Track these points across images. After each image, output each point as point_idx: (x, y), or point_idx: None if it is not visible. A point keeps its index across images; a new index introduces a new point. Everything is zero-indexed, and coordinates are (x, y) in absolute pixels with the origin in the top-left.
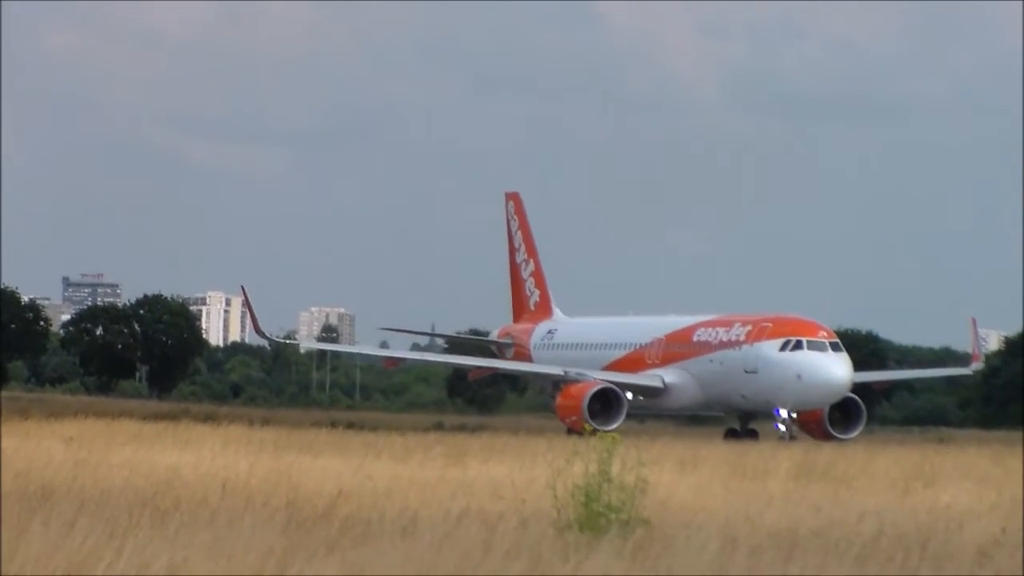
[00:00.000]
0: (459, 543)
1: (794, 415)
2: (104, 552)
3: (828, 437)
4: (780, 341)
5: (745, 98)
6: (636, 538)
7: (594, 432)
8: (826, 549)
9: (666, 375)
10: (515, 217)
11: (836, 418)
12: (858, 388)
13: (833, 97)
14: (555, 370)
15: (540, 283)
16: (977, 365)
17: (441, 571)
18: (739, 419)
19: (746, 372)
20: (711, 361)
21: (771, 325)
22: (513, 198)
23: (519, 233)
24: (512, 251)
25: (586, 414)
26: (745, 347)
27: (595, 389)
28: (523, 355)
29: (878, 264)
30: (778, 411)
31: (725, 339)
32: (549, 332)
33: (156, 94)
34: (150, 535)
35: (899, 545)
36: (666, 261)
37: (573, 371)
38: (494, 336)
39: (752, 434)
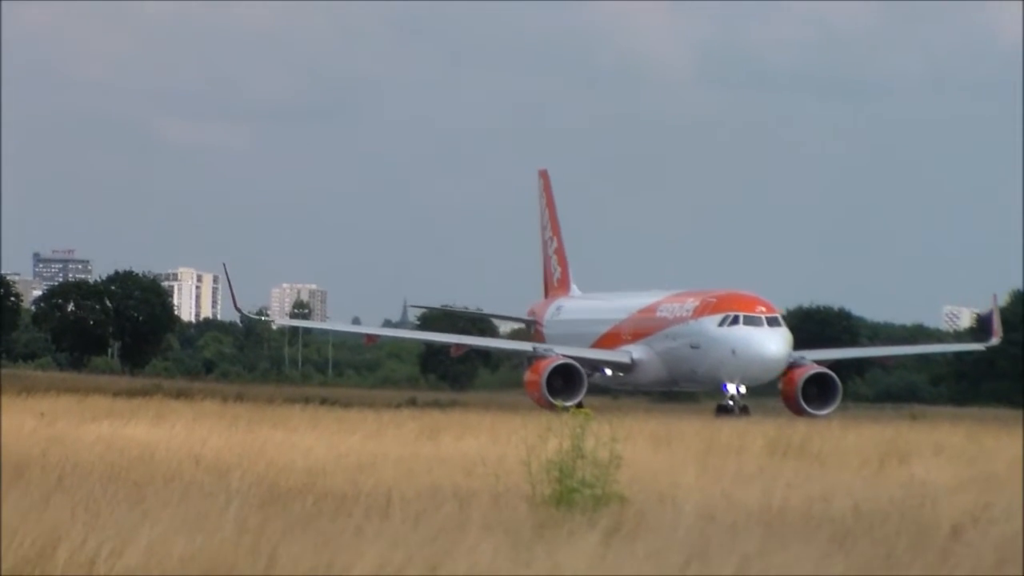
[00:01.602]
0: (434, 519)
1: (742, 390)
2: (79, 527)
3: (802, 413)
4: (719, 316)
5: (718, 74)
6: (611, 514)
7: (552, 407)
8: (802, 525)
9: (634, 351)
10: (543, 194)
11: (813, 394)
12: (831, 364)
13: (807, 73)
14: (524, 346)
15: (562, 260)
16: (995, 340)
17: (416, 547)
18: (729, 395)
19: (692, 348)
20: (666, 337)
21: (715, 300)
22: (543, 175)
23: (546, 211)
24: (542, 228)
25: (545, 389)
26: (691, 323)
27: (554, 364)
28: (539, 331)
29: (851, 241)
30: (725, 387)
31: (678, 315)
32: (557, 308)
33: (128, 70)
34: (125, 510)
35: (875, 521)
36: (641, 238)
37: (541, 347)
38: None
39: (744, 411)
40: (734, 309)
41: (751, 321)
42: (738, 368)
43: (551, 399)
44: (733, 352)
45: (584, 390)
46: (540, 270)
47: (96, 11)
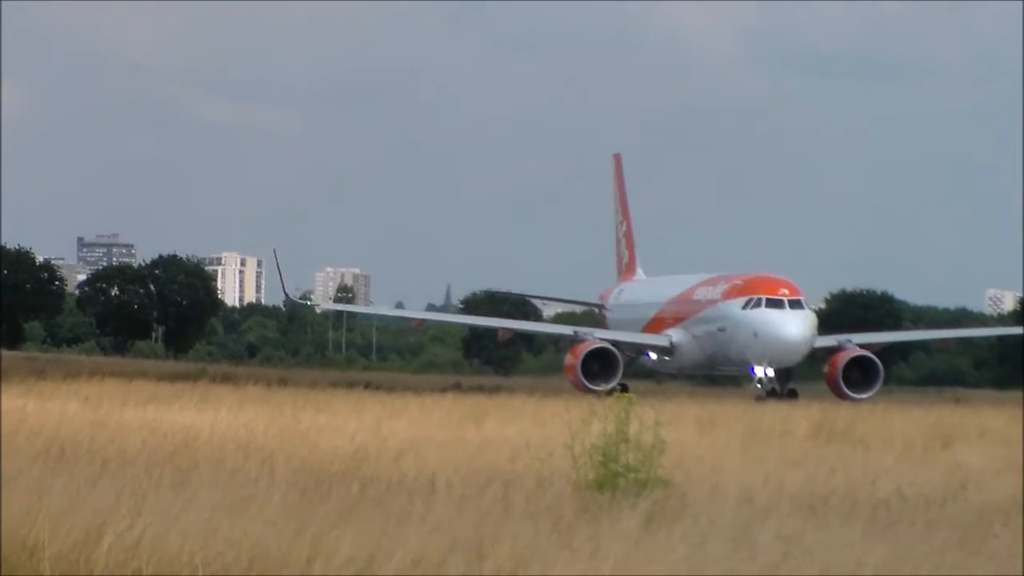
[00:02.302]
0: (478, 504)
1: (770, 372)
2: (123, 512)
3: (844, 396)
4: (743, 299)
5: (762, 58)
6: (654, 498)
7: (588, 391)
8: (845, 509)
9: (674, 335)
10: (615, 178)
11: (856, 377)
12: (877, 348)
13: (851, 57)
14: (565, 330)
15: (629, 244)
16: None
17: (461, 533)
18: (777, 379)
19: (719, 331)
20: (700, 321)
21: (741, 283)
22: (616, 159)
23: (617, 195)
24: (615, 212)
25: (580, 373)
26: (719, 305)
27: (589, 348)
28: (604, 315)
29: (895, 225)
30: (753, 370)
31: (710, 298)
32: (619, 292)
33: (172, 52)
34: (170, 495)
35: (918, 505)
36: (687, 220)
37: (583, 331)
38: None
39: (792, 394)
40: (757, 292)
41: (773, 303)
42: (760, 350)
43: (587, 383)
44: (755, 334)
45: (620, 374)
46: (591, 254)
47: None
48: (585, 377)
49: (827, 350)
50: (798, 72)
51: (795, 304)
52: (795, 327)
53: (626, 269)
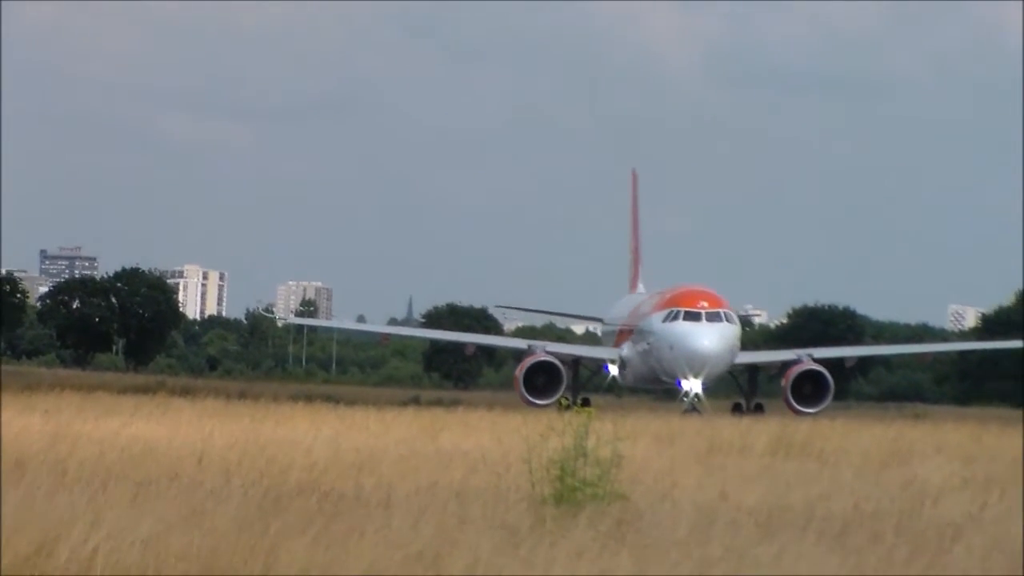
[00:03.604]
0: (435, 518)
1: (697, 387)
2: (80, 524)
3: (794, 410)
4: (664, 313)
5: (724, 73)
6: (611, 513)
7: (530, 405)
8: (802, 526)
9: (624, 349)
10: (631, 195)
11: (808, 392)
12: (828, 362)
13: (812, 72)
14: (519, 343)
15: (635, 260)
16: None
17: (418, 546)
18: (743, 394)
19: (647, 344)
20: (637, 334)
21: (667, 297)
22: (633, 175)
23: (631, 211)
24: (632, 228)
25: (522, 387)
26: (648, 319)
27: (532, 362)
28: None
29: (857, 240)
30: (679, 383)
31: (644, 312)
32: (610, 307)
33: (134, 68)
34: (126, 507)
35: (875, 522)
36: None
37: (536, 344)
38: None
39: (759, 409)
40: (677, 305)
41: (690, 316)
42: (676, 363)
43: (529, 397)
44: (671, 347)
45: (563, 388)
46: (557, 266)
47: (100, 9)
48: (531, 391)
49: (786, 364)
50: (761, 87)
51: (713, 317)
52: (709, 339)
53: (631, 284)
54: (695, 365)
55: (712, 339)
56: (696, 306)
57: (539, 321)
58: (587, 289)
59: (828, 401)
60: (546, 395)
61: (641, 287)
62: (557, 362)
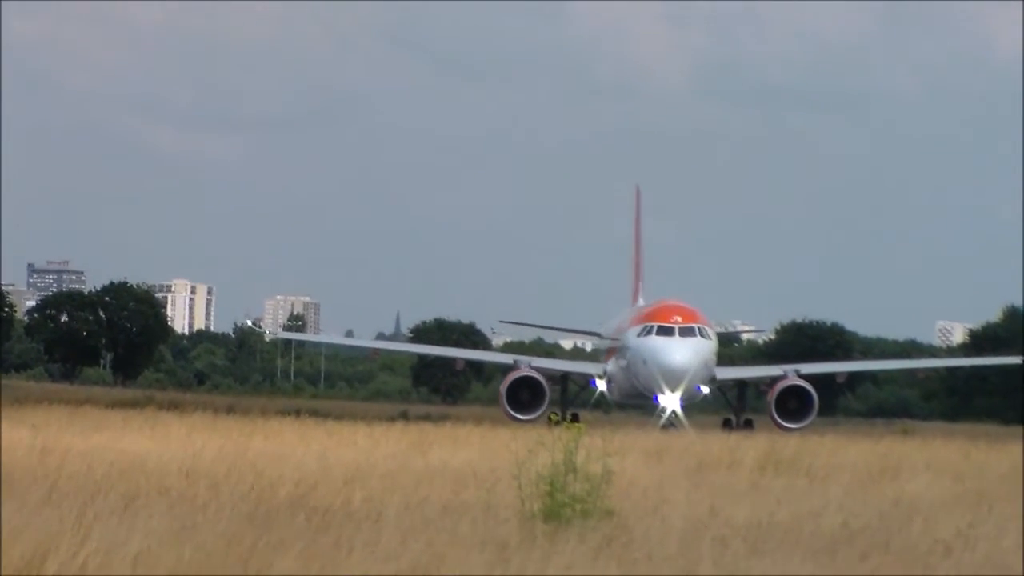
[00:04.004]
0: (424, 533)
1: (674, 403)
2: (68, 538)
3: (778, 426)
4: (639, 327)
5: (713, 87)
6: (600, 528)
7: (513, 420)
8: (791, 542)
9: (609, 364)
10: (634, 210)
11: (793, 408)
12: (817, 378)
13: (803, 87)
14: (504, 358)
15: (636, 273)
16: None
17: (407, 561)
18: (732, 410)
19: (626, 360)
20: (620, 349)
21: (645, 312)
22: (636, 191)
23: (635, 225)
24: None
25: (505, 402)
26: (625, 334)
27: (514, 377)
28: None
29: (846, 256)
30: (656, 398)
31: (624, 327)
32: (606, 322)
33: (122, 80)
34: (115, 522)
35: (863, 538)
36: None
37: (522, 359)
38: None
39: (748, 424)
40: (652, 320)
41: (663, 331)
42: (650, 377)
43: (512, 412)
44: (644, 362)
45: (546, 403)
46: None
47: (89, 21)
48: (515, 406)
49: (773, 380)
50: (749, 101)
51: (687, 331)
52: (681, 354)
53: (632, 298)
54: (667, 380)
55: (684, 354)
56: (670, 321)
57: (528, 336)
58: (588, 304)
59: (812, 417)
60: (530, 410)
61: (641, 301)
62: (540, 377)
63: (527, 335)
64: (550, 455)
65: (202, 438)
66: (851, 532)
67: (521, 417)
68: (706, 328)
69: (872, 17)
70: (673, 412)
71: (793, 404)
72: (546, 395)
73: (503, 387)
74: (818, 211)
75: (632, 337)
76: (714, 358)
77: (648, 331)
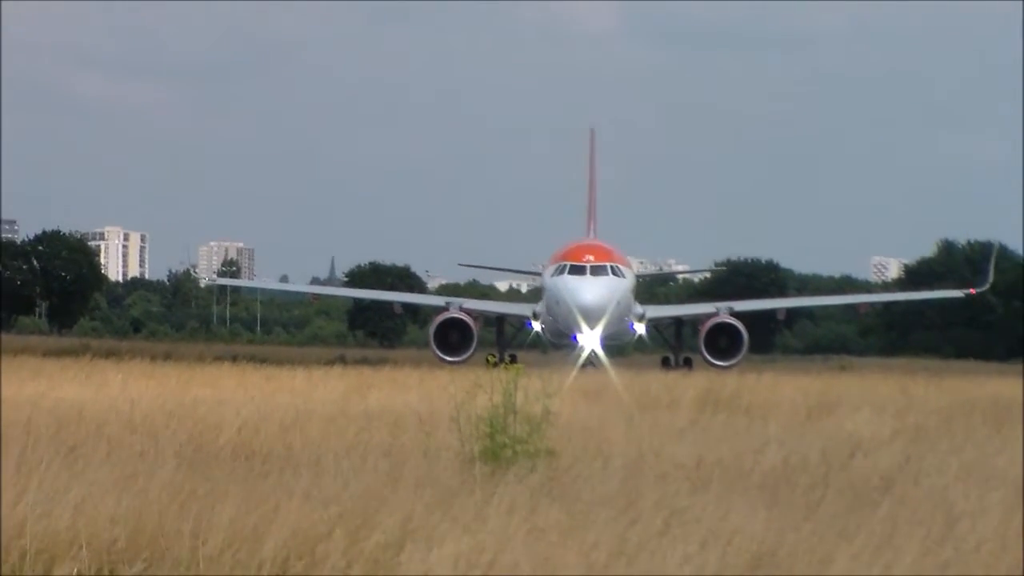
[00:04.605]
0: (364, 477)
1: (594, 341)
2: (7, 489)
3: (709, 364)
4: (554, 267)
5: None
6: (541, 469)
7: (442, 362)
8: (732, 479)
9: (537, 305)
10: (588, 154)
11: (724, 346)
12: (757, 316)
13: (729, 28)
14: (436, 301)
15: (591, 215)
16: (987, 286)
17: (347, 505)
18: (671, 349)
19: (542, 299)
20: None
21: (561, 251)
22: (591, 133)
23: (589, 167)
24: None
25: (433, 344)
26: (544, 274)
27: (441, 319)
28: None
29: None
30: (575, 338)
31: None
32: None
33: (47, 28)
34: (55, 471)
35: (805, 475)
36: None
37: (454, 301)
38: None
39: (687, 363)
40: (566, 259)
41: (575, 270)
42: (564, 317)
43: (440, 354)
44: (557, 302)
45: (474, 345)
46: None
47: None
48: (444, 348)
49: (705, 318)
50: (679, 44)
51: (598, 270)
52: (592, 293)
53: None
54: (582, 318)
55: (594, 292)
56: (582, 260)
57: (463, 279)
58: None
59: (742, 354)
60: (458, 352)
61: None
62: (469, 319)
63: (462, 277)
64: (489, 397)
65: (139, 386)
66: (792, 468)
67: (449, 359)
68: (619, 267)
69: None
70: (592, 351)
71: (723, 342)
72: (474, 337)
73: (431, 329)
74: (752, 150)
75: (547, 277)
76: (630, 296)
77: (561, 270)
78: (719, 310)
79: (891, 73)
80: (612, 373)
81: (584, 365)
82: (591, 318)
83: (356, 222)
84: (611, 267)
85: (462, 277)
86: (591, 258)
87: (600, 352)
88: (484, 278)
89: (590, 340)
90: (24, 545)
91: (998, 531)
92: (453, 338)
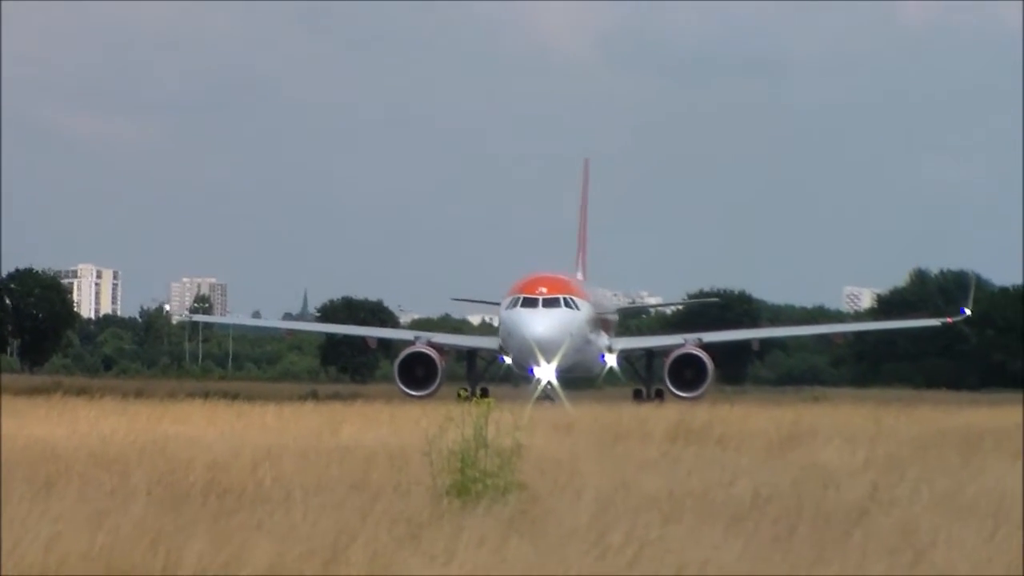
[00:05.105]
0: (335, 512)
1: (549, 374)
2: None
3: (673, 396)
4: (509, 299)
5: (619, 59)
6: (512, 503)
7: (407, 397)
8: (704, 511)
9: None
10: (582, 184)
11: (690, 377)
12: (730, 347)
13: (705, 55)
14: (406, 335)
15: (580, 248)
16: (966, 314)
17: (318, 540)
18: (642, 381)
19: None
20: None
21: (517, 284)
22: (585, 163)
23: (582, 198)
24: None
25: (397, 379)
26: (500, 306)
27: (406, 353)
28: None
29: (752, 224)
30: (531, 370)
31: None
32: None
33: (24, 61)
34: (26, 509)
35: (776, 506)
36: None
37: (423, 335)
38: None
39: (659, 395)
40: (521, 292)
41: (528, 303)
42: (515, 349)
43: (405, 389)
44: (509, 334)
45: (439, 379)
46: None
47: None
48: (409, 383)
49: (672, 349)
50: (654, 72)
51: (551, 303)
52: (542, 326)
53: (578, 270)
54: (536, 351)
55: (545, 325)
56: (535, 292)
57: (437, 313)
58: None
59: (706, 386)
60: (423, 387)
61: (579, 275)
62: (433, 353)
63: (436, 311)
64: (460, 431)
65: (111, 423)
66: (763, 499)
67: (414, 393)
68: (573, 298)
69: None
70: (548, 383)
71: (689, 374)
72: (439, 371)
73: (396, 364)
74: (722, 180)
75: (503, 310)
76: (587, 328)
77: (515, 303)
78: (686, 341)
79: (862, 100)
80: (567, 406)
81: (541, 398)
82: (545, 351)
83: (329, 257)
84: (564, 299)
85: (436, 311)
86: (544, 290)
87: (556, 385)
88: (458, 312)
89: (546, 373)
90: None
91: (970, 560)
92: (418, 372)
